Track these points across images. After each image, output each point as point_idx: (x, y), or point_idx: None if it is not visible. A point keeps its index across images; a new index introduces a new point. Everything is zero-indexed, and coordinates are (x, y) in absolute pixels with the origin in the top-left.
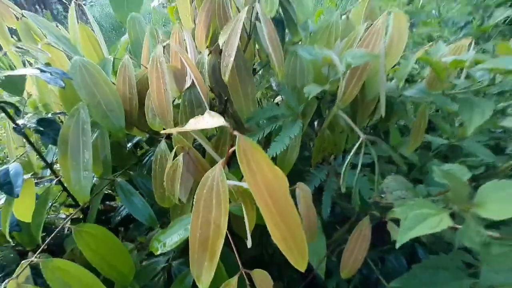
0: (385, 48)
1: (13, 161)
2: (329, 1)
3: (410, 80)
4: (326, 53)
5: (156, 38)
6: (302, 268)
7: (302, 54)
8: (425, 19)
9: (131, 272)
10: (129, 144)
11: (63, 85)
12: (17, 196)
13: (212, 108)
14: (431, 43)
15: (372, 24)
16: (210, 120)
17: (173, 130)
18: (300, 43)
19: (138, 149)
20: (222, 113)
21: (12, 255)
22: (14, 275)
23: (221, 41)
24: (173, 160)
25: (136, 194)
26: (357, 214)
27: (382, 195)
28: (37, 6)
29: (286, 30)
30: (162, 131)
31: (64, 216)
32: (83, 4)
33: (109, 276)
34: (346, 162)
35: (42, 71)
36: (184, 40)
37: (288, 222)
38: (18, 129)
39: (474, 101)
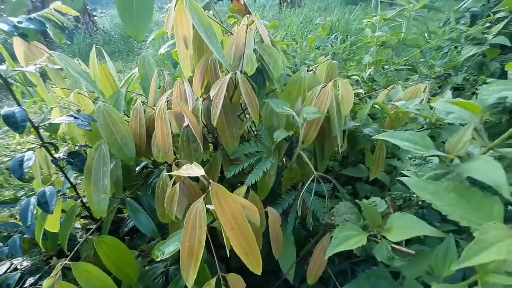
0: (338, 101)
1: (49, 184)
2: (321, 30)
3: (374, 117)
4: (288, 111)
5: (162, 76)
6: (258, 271)
7: (272, 106)
8: (402, 52)
9: (135, 274)
10: (138, 167)
11: (91, 129)
12: (52, 213)
13: (206, 140)
14: (392, 86)
15: (326, 85)
16: (197, 170)
17: (174, 173)
18: (277, 90)
19: (145, 169)
20: (215, 145)
21: (39, 259)
22: (52, 274)
23: (211, 93)
24: (172, 186)
25: (141, 211)
26: (323, 230)
27: (332, 218)
28: None
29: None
30: (166, 162)
31: (79, 226)
32: (94, 15)
33: (118, 277)
34: (302, 192)
35: (75, 118)
36: (185, 89)
37: (247, 239)
38: (55, 162)
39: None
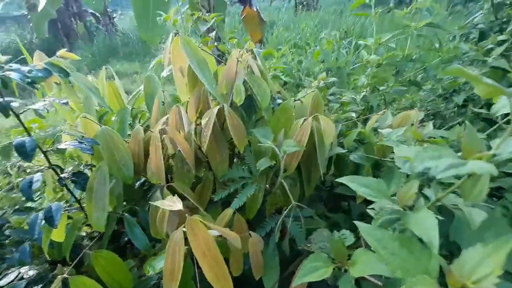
0: (321, 133)
1: (58, 198)
2: (326, 43)
3: (364, 142)
4: (269, 144)
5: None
6: None
7: (258, 136)
8: (407, 68)
9: (129, 285)
10: (137, 183)
11: (92, 153)
12: (56, 227)
13: (200, 161)
14: (384, 110)
15: (306, 119)
16: (177, 205)
17: (160, 204)
18: (265, 117)
19: (144, 185)
20: (207, 166)
21: (45, 265)
22: (53, 286)
23: (203, 122)
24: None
25: (137, 226)
26: (307, 252)
27: (308, 244)
28: (72, 19)
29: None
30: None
31: (84, 233)
32: (113, 17)
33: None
34: (279, 221)
35: (80, 142)
36: (181, 115)
37: (219, 266)
38: (61, 182)
39: (395, 173)
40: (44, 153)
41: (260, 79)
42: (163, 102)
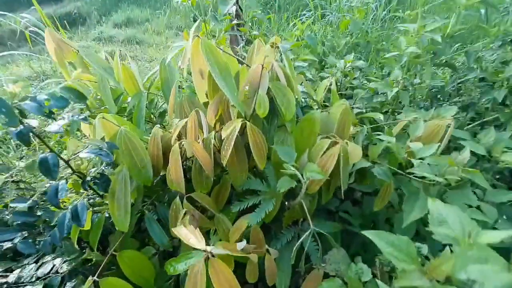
0: (347, 153)
1: (80, 200)
2: (357, 12)
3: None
4: (292, 170)
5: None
6: None
7: (279, 155)
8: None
9: (152, 276)
10: (157, 178)
11: (112, 160)
12: (83, 227)
13: (217, 165)
14: (414, 117)
15: (333, 144)
16: (200, 244)
17: (184, 237)
18: (288, 129)
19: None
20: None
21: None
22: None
23: (223, 134)
24: (182, 218)
25: (156, 223)
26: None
27: (323, 264)
28: None
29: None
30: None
31: None
32: None
33: (137, 282)
34: (296, 246)
35: (99, 149)
36: (199, 120)
37: None
38: (84, 186)
39: (420, 196)
40: (67, 162)
41: (286, 88)
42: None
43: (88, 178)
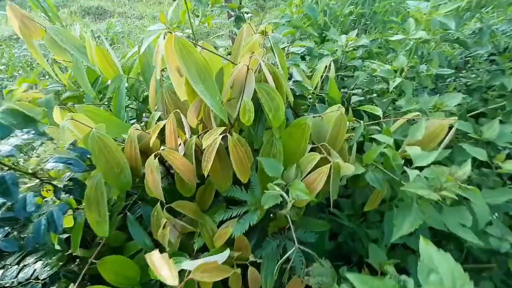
0: (339, 167)
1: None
2: None
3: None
4: (276, 191)
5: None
6: None
7: (265, 167)
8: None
9: (137, 274)
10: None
11: (83, 170)
12: (61, 233)
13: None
14: (416, 113)
15: (323, 165)
16: (169, 279)
17: (150, 261)
18: (276, 136)
19: None
20: None
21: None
22: None
23: (204, 144)
24: (163, 228)
25: (137, 224)
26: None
27: (306, 277)
28: None
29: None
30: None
31: None
32: None
33: (122, 285)
34: (279, 262)
35: (68, 159)
36: (175, 125)
37: None
38: (57, 195)
39: (413, 210)
40: (33, 174)
41: (274, 92)
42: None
43: (62, 185)
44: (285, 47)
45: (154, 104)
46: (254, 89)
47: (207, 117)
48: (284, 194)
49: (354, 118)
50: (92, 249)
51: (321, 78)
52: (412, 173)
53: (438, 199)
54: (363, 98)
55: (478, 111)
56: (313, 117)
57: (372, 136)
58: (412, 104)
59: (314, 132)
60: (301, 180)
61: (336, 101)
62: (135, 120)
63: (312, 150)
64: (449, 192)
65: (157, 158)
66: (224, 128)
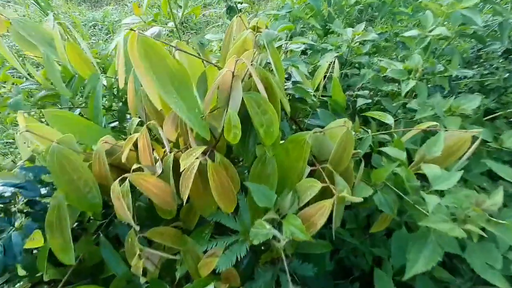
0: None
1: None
2: None
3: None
4: (267, 230)
5: None
6: None
7: (254, 197)
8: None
9: None
10: None
11: (38, 194)
12: (20, 262)
13: None
14: (434, 123)
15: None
16: None
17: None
18: (268, 154)
19: None
20: None
21: None
22: None
23: (181, 166)
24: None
25: (111, 249)
26: None
27: None
28: None
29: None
30: None
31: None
32: None
33: None
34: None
35: (20, 184)
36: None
37: None
38: (8, 221)
39: (429, 242)
40: None
41: (266, 103)
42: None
43: (18, 206)
44: (283, 43)
45: (134, 109)
46: (242, 98)
47: (185, 132)
48: (277, 233)
49: (361, 128)
50: (66, 267)
51: (324, 77)
52: (431, 201)
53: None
54: (370, 100)
55: (496, 114)
56: (314, 132)
57: (382, 150)
58: (426, 110)
59: (314, 147)
60: (298, 210)
61: (340, 105)
62: (117, 123)
63: (311, 171)
64: (475, 225)
65: (127, 181)
66: (204, 148)
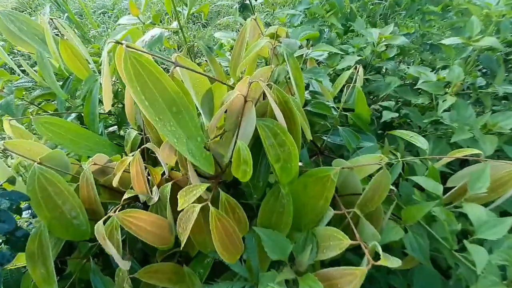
0: None
1: None
2: None
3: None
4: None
5: None
6: None
7: (265, 246)
8: None
9: None
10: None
11: (13, 227)
12: None
13: None
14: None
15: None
16: None
17: None
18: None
19: None
20: None
21: None
22: None
23: (179, 205)
24: None
25: (101, 277)
26: None
27: None
28: None
29: None
30: None
31: None
32: None
33: None
34: None
35: None
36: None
37: None
38: None
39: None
40: None
41: (284, 133)
42: None
43: None
44: (304, 52)
45: (132, 118)
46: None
47: (184, 163)
48: (291, 271)
49: (391, 152)
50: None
51: (347, 89)
52: (480, 258)
53: None
54: (397, 115)
55: None
56: (342, 168)
57: (413, 179)
58: (465, 132)
59: (340, 186)
60: (319, 265)
61: (364, 121)
62: (116, 128)
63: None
64: None
65: (114, 218)
66: (206, 186)
